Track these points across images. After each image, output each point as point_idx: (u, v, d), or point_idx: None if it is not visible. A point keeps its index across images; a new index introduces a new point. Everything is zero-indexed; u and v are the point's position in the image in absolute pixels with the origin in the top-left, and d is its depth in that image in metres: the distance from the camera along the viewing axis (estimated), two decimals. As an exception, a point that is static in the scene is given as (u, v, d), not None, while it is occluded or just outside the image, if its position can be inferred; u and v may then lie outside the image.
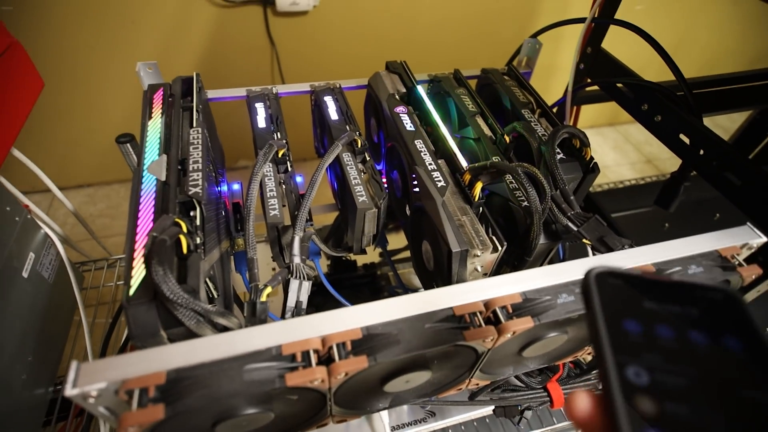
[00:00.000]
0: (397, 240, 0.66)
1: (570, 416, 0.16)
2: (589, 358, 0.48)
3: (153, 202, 0.36)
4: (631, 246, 0.35)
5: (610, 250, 0.35)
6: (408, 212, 0.48)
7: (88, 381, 0.24)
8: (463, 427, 0.58)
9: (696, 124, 0.45)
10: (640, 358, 0.15)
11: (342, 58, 1.28)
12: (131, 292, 0.30)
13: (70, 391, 0.24)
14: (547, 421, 0.53)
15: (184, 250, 0.33)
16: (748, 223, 0.36)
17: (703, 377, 0.15)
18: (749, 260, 0.35)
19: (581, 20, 0.54)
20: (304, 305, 0.37)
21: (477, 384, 0.38)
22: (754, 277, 0.35)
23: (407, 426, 0.55)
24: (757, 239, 0.35)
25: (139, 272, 0.31)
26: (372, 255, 0.76)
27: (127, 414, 0.24)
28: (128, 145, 0.58)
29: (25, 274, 0.55)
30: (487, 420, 0.57)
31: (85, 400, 0.24)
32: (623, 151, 1.77)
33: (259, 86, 0.53)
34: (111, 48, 1.10)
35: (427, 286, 0.47)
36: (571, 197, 0.39)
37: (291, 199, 0.42)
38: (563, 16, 0.56)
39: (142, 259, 0.31)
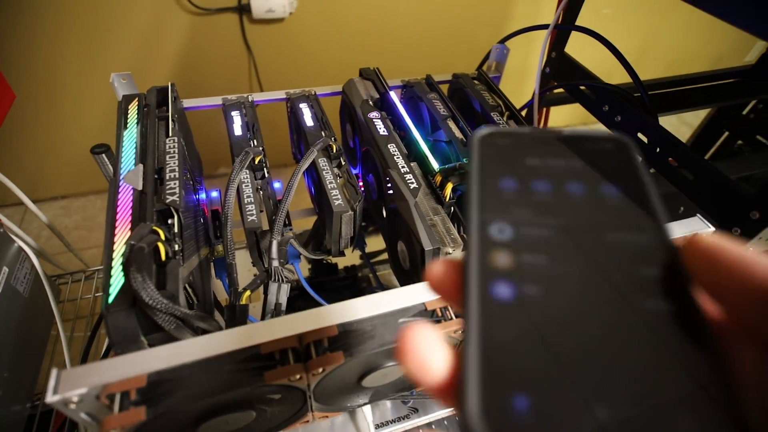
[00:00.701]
0: (376, 242, 0.67)
1: (429, 285, 0.15)
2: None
3: (130, 212, 0.36)
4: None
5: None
6: (384, 214, 0.50)
7: (69, 387, 0.24)
8: (446, 422, 0.59)
9: (652, 123, 0.48)
10: (508, 214, 0.15)
11: (319, 64, 1.29)
12: (110, 299, 0.30)
13: (51, 398, 0.24)
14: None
15: (163, 258, 0.33)
16: (698, 215, 0.39)
17: (571, 227, 0.14)
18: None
19: (545, 27, 0.57)
20: (284, 307, 0.38)
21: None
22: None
23: (391, 423, 0.56)
24: (706, 228, 0.38)
25: (117, 280, 0.32)
26: (353, 257, 0.77)
27: (109, 417, 0.24)
28: (104, 155, 0.58)
29: (-2, 289, 0.55)
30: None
31: (66, 407, 0.25)
32: (596, 150, 1.83)
33: (234, 95, 0.54)
34: (84, 58, 1.09)
35: (405, 285, 0.49)
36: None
37: (268, 204, 0.43)
38: (534, 21, 0.59)
39: (120, 268, 0.32)
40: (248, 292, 0.36)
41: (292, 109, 0.55)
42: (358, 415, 0.54)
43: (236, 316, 0.35)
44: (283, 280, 0.37)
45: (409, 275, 0.45)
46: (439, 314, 0.31)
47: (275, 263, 0.38)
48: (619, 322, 0.12)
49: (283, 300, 0.38)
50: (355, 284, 0.72)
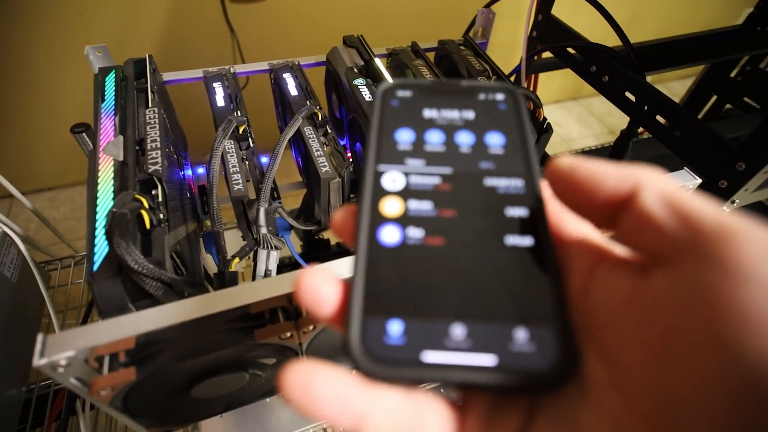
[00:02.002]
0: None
1: (332, 228, 0.16)
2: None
3: (112, 183, 0.36)
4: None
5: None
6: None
7: (57, 350, 0.24)
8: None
9: (639, 81, 0.48)
10: (401, 165, 0.16)
11: (303, 35, 1.26)
12: (95, 267, 0.30)
13: (37, 362, 0.24)
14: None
15: (147, 226, 0.33)
16: (685, 168, 0.39)
17: (456, 175, 0.16)
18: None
19: (530, -13, 0.56)
20: (274, 274, 0.38)
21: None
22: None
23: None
24: (693, 181, 0.38)
25: (101, 249, 0.31)
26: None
27: (98, 378, 0.24)
28: (84, 134, 0.57)
29: (-15, 274, 0.54)
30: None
31: (54, 371, 0.25)
32: (587, 124, 1.83)
33: (216, 66, 0.52)
34: (63, 42, 1.05)
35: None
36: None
37: (255, 174, 0.42)
38: None
39: (103, 235, 0.31)
40: (237, 259, 0.36)
41: (275, 80, 0.54)
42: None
43: (226, 283, 0.35)
44: (272, 247, 0.37)
45: (399, 241, 0.45)
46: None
47: (263, 230, 0.38)
48: (483, 256, 0.14)
49: (273, 267, 0.37)
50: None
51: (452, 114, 0.17)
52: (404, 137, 0.17)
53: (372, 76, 0.51)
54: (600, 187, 0.13)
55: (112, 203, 0.34)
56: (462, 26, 0.65)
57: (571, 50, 0.57)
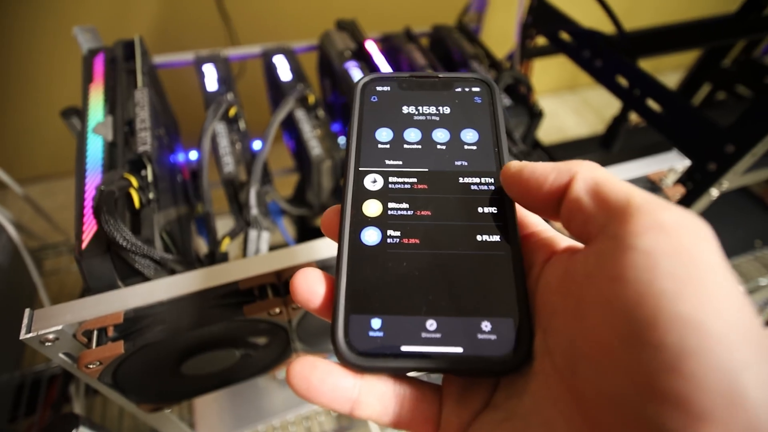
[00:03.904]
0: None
1: (322, 228, 0.17)
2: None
3: (101, 162, 0.35)
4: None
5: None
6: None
7: (44, 325, 0.24)
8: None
9: (630, 64, 0.48)
10: (381, 166, 0.16)
11: (297, 21, 1.25)
12: (83, 246, 0.30)
13: (24, 336, 0.24)
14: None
15: (137, 205, 0.33)
16: (675, 149, 0.40)
17: (433, 174, 0.16)
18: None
19: (523, -28, 0.56)
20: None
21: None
22: (678, 196, 0.38)
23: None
24: (682, 162, 0.38)
25: (90, 228, 0.31)
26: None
27: (86, 351, 0.24)
28: (75, 119, 0.56)
29: (-24, 259, 0.54)
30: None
31: (42, 345, 0.25)
32: (582, 115, 1.83)
33: (207, 49, 0.52)
34: (55, 29, 1.04)
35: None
36: (515, 135, 0.41)
37: (246, 157, 0.42)
38: None
39: (92, 216, 0.31)
40: (227, 239, 0.36)
41: (267, 65, 0.53)
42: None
43: (216, 263, 0.35)
44: (262, 228, 0.37)
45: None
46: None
47: (254, 211, 0.38)
48: (454, 254, 0.15)
49: (264, 248, 0.37)
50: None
51: (429, 109, 0.18)
52: (383, 136, 0.17)
53: (365, 59, 0.51)
54: (543, 183, 0.14)
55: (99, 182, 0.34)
56: (455, 12, 0.64)
57: (564, 36, 0.56)
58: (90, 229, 0.31)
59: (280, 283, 0.29)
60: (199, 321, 0.26)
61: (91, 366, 0.24)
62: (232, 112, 0.43)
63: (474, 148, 0.17)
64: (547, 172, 0.14)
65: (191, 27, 1.17)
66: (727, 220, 0.72)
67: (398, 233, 0.15)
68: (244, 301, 0.28)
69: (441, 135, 0.17)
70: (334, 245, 0.30)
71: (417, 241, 0.15)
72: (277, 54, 0.52)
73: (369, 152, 0.17)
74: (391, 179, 0.16)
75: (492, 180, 0.16)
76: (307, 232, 0.72)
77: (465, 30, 0.59)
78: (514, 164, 0.15)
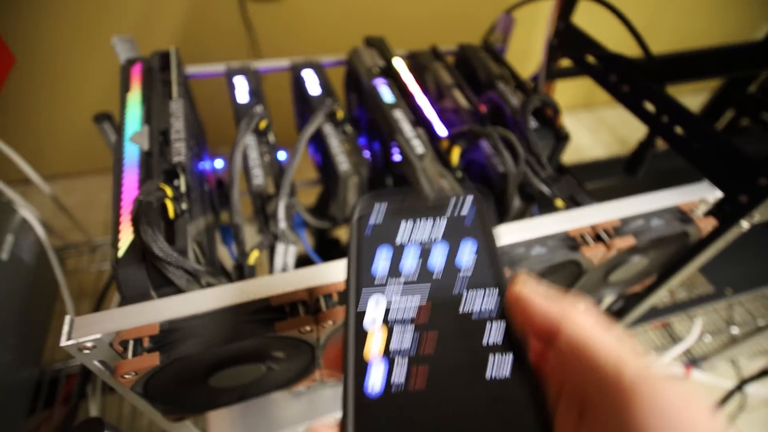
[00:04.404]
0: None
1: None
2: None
3: (137, 171, 0.36)
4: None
5: (579, 205, 0.37)
6: (389, 182, 0.50)
7: (84, 333, 0.25)
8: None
9: (659, 91, 0.48)
10: (380, 301, 0.16)
11: (319, 36, 1.27)
12: (120, 254, 0.31)
13: (64, 342, 0.24)
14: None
15: (171, 215, 0.33)
16: (706, 180, 0.39)
17: (433, 306, 0.16)
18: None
19: (552, -5, 0.56)
20: (291, 269, 0.38)
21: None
22: (710, 228, 0.38)
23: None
24: (713, 194, 0.38)
25: (126, 236, 0.32)
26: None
27: (123, 361, 0.25)
28: (107, 124, 0.58)
29: (4, 256, 0.55)
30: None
31: (80, 352, 0.25)
32: (598, 134, 1.82)
33: (238, 61, 0.53)
34: (81, 31, 1.07)
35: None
36: (544, 159, 0.41)
37: (275, 169, 0.43)
38: None
39: (129, 224, 0.32)
40: (256, 252, 0.36)
41: (296, 78, 0.54)
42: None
43: (245, 276, 0.35)
44: (289, 242, 0.38)
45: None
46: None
47: (282, 225, 0.38)
48: (464, 396, 0.14)
49: (291, 262, 0.38)
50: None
51: (423, 235, 0.18)
52: (380, 268, 0.17)
53: (392, 77, 0.52)
54: (532, 321, 0.14)
55: (136, 192, 0.35)
56: (479, 31, 0.65)
57: (590, 58, 0.57)
58: (126, 237, 0.32)
59: (311, 301, 0.29)
60: (232, 336, 0.27)
61: (126, 376, 0.25)
62: (263, 124, 0.44)
63: (470, 271, 0.17)
64: (534, 309, 0.14)
65: (215, 37, 1.20)
66: (752, 251, 0.71)
67: (402, 380, 0.14)
68: (276, 317, 0.28)
69: (437, 261, 0.17)
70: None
71: (423, 386, 0.14)
72: (305, 68, 0.53)
73: (367, 291, 0.16)
74: (390, 318, 0.16)
75: (493, 305, 0.16)
76: (324, 243, 0.73)
77: (490, 50, 0.59)
78: (515, 289, 0.15)
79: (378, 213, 0.19)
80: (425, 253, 0.17)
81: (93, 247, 0.76)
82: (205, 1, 1.12)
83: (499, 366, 0.14)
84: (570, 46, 0.60)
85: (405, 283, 0.17)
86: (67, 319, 0.25)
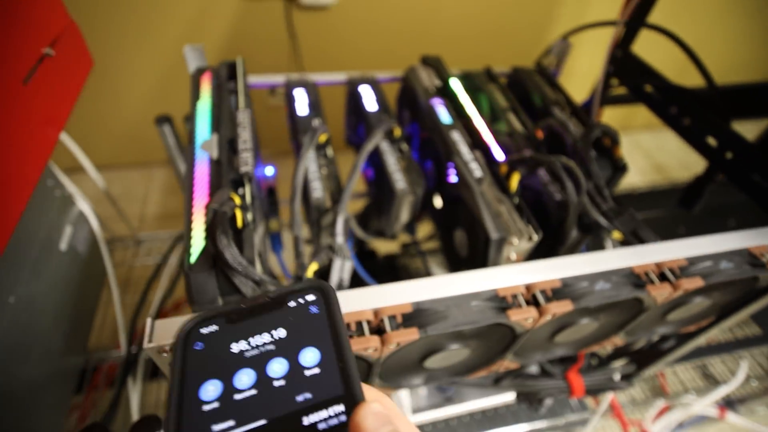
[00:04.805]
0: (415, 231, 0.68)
1: None
2: (610, 347, 0.49)
3: (207, 179, 0.37)
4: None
5: (642, 242, 0.37)
6: (439, 202, 0.50)
7: (165, 337, 0.26)
8: (480, 415, 0.59)
9: (724, 126, 0.47)
10: (213, 424, 0.14)
11: (362, 52, 1.29)
12: (192, 260, 0.32)
13: (147, 345, 0.25)
14: (564, 410, 0.54)
15: (239, 225, 0.34)
16: (775, 224, 0.38)
17: (271, 425, 0.14)
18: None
19: (613, 23, 0.56)
20: (346, 284, 0.39)
21: (507, 367, 0.40)
22: (780, 274, 0.36)
23: (425, 410, 0.56)
24: (785, 239, 0.37)
25: (198, 242, 0.33)
26: (389, 246, 0.77)
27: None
28: (166, 126, 0.60)
29: (62, 247, 0.57)
30: (498, 410, 0.58)
31: (158, 355, 0.26)
32: (633, 159, 1.78)
33: (297, 73, 0.55)
34: (130, 30, 1.11)
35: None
36: (606, 191, 0.40)
37: (332, 183, 0.44)
38: (581, 20, 0.58)
39: (201, 230, 0.33)
40: (315, 265, 0.37)
41: (351, 92, 0.55)
42: (395, 400, 0.55)
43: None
44: (346, 258, 0.38)
45: (464, 264, 0.45)
46: (510, 301, 0.31)
47: (340, 239, 0.39)
48: None
49: (347, 277, 0.38)
50: (393, 272, 0.72)
51: (262, 338, 0.16)
52: (210, 393, 0.15)
53: (449, 97, 0.52)
54: None
55: (206, 199, 0.36)
56: (518, 52, 0.64)
57: (648, 88, 0.56)
58: (197, 243, 0.33)
59: (375, 321, 0.29)
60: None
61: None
62: (323, 138, 0.45)
63: (317, 371, 0.15)
64: None
65: (259, 46, 1.23)
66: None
67: None
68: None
69: (278, 368, 0.15)
70: (432, 287, 0.31)
71: None
72: (362, 84, 0.54)
73: (192, 420, 0.14)
74: None
75: (342, 408, 0.14)
76: (362, 254, 0.73)
77: (544, 73, 0.59)
78: (356, 417, 0.13)
79: (210, 321, 0.17)
80: (265, 356, 0.15)
81: (138, 241, 0.78)
82: (252, 10, 1.15)
83: None
84: (627, 75, 0.59)
85: (239, 399, 0.14)
86: (148, 322, 0.26)
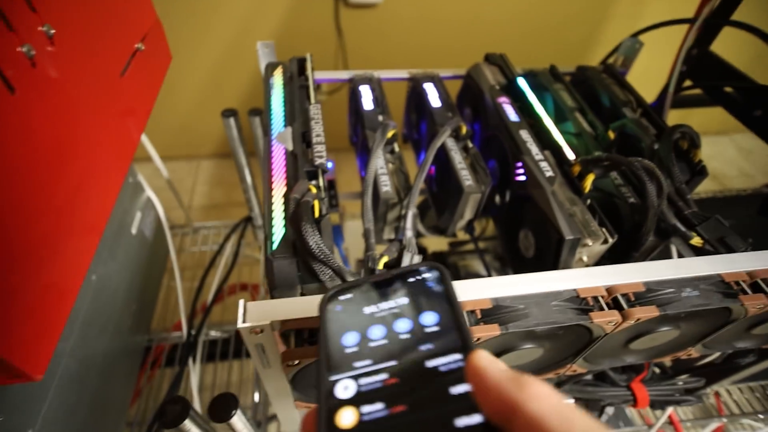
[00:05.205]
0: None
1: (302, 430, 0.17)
2: (687, 358, 0.47)
3: (284, 170, 0.39)
4: (752, 247, 0.35)
5: (731, 250, 0.35)
6: (501, 201, 0.49)
7: (256, 318, 0.27)
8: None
9: (818, 132, 0.44)
10: (351, 369, 0.17)
11: (406, 50, 1.30)
12: (274, 247, 0.33)
13: (240, 325, 0.27)
14: (626, 420, 0.52)
15: (317, 215, 0.35)
16: None
17: (401, 368, 0.16)
18: None
19: (692, 20, 0.53)
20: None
21: (575, 371, 0.39)
22: None
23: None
24: None
25: (278, 230, 0.34)
26: (438, 244, 0.77)
27: (290, 350, 0.26)
28: (231, 119, 0.62)
29: (133, 231, 0.61)
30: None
31: (250, 334, 0.27)
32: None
33: (361, 70, 0.55)
34: (187, 25, 1.16)
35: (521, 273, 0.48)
36: (688, 196, 0.38)
37: (400, 178, 0.44)
38: (637, 19, 0.55)
39: (280, 219, 0.34)
40: (386, 258, 0.37)
41: (414, 89, 0.56)
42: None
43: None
44: (415, 252, 0.38)
45: (529, 264, 0.44)
46: (591, 303, 0.31)
47: (409, 233, 0.39)
48: None
49: (414, 270, 0.38)
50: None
51: (389, 304, 0.19)
52: (350, 340, 0.18)
53: (514, 95, 0.51)
54: (488, 398, 0.14)
55: (284, 189, 0.37)
56: (569, 52, 0.62)
57: (728, 89, 0.53)
58: (278, 231, 0.34)
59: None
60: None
61: (290, 364, 0.26)
62: (390, 134, 0.46)
63: (436, 329, 0.18)
64: (489, 391, 0.14)
65: (306, 41, 1.25)
66: None
67: None
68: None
69: (403, 325, 0.18)
70: (514, 285, 0.31)
71: None
72: (426, 81, 0.54)
73: (338, 359, 0.17)
74: (361, 381, 0.16)
75: (459, 356, 0.16)
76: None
77: (612, 73, 0.57)
78: (473, 361, 0.15)
79: (346, 291, 0.20)
80: (391, 316, 0.19)
81: (195, 229, 0.82)
82: (302, 7, 1.18)
83: (468, 412, 0.15)
84: (702, 74, 0.56)
85: (373, 346, 0.18)
86: (241, 303, 0.28)
